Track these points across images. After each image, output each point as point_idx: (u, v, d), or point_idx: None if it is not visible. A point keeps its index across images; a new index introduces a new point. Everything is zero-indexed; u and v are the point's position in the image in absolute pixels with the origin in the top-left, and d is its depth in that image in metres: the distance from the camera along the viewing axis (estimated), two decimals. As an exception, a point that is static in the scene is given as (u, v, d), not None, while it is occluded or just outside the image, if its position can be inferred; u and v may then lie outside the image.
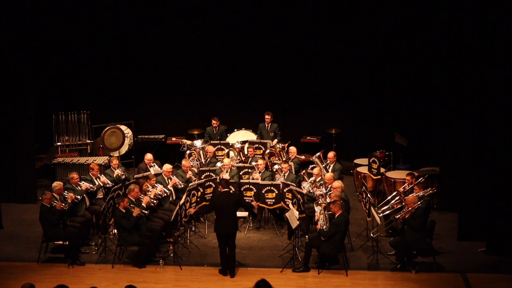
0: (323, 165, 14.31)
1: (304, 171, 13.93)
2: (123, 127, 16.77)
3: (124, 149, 16.81)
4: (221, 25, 16.83)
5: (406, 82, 16.35)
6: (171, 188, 13.57)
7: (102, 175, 13.70)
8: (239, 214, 12.64)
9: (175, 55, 17.09)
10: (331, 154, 14.43)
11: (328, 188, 13.00)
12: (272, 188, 13.41)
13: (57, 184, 12.75)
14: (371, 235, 12.51)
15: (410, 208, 11.92)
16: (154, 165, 14.34)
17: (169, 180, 13.62)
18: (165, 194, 13.38)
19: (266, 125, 16.16)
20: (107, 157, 15.62)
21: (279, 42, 16.77)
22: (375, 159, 14.63)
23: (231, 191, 12.35)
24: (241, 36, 16.85)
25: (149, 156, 14.48)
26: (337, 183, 12.77)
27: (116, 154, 16.25)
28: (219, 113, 16.38)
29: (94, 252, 12.74)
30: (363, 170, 15.01)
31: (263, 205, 13.57)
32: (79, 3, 16.71)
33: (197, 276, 11.98)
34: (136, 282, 11.16)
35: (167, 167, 13.75)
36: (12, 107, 14.86)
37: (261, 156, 15.10)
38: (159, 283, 11.76)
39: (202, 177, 13.89)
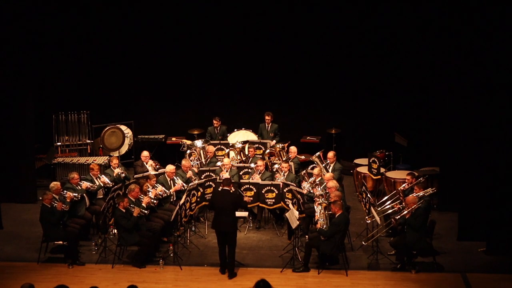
0: (323, 165, 14.31)
1: (304, 171, 13.94)
2: (123, 127, 16.77)
3: (124, 149, 16.81)
4: (221, 25, 16.82)
5: (406, 82, 16.35)
6: (173, 192, 13.55)
7: (103, 175, 13.70)
8: (239, 214, 12.63)
9: (175, 55, 17.09)
10: (331, 154, 14.43)
11: (324, 186, 13.01)
12: (272, 188, 13.42)
13: (54, 185, 12.75)
14: (363, 243, 12.58)
15: (410, 208, 11.92)
16: (150, 163, 14.39)
17: (172, 181, 13.59)
18: (165, 195, 13.38)
19: (266, 126, 16.16)
20: (107, 157, 15.62)
21: (279, 42, 16.77)
22: (375, 159, 14.63)
23: (231, 191, 12.36)
24: (241, 36, 16.85)
25: (145, 153, 14.55)
26: (332, 183, 12.76)
27: (116, 154, 16.25)
28: (219, 113, 16.38)
29: (94, 252, 12.74)
30: (363, 170, 15.02)
31: (263, 205, 13.57)
32: (79, 3, 16.72)
33: (197, 276, 11.98)
34: (136, 282, 11.15)
35: (170, 168, 13.71)
36: (12, 107, 14.85)
37: (261, 156, 15.10)
38: (159, 283, 11.76)
39: (202, 177, 13.90)
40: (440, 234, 13.26)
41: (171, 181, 13.62)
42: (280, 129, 16.18)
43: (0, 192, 14.92)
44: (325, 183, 13.11)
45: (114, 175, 13.87)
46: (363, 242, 12.60)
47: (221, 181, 13.28)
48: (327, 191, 12.74)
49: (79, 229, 12.68)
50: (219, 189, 12.31)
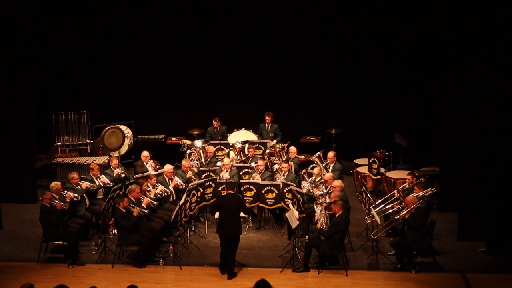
0: (323, 165, 14.31)
1: (304, 171, 13.94)
2: (123, 127, 16.77)
3: (124, 149, 16.82)
4: (221, 25, 16.83)
5: (406, 82, 16.35)
6: (172, 189, 13.57)
7: (103, 176, 13.71)
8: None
9: (175, 55, 17.09)
10: (331, 154, 14.43)
11: (328, 188, 12.99)
12: (272, 188, 13.41)
13: (54, 184, 12.75)
14: (372, 236, 12.50)
15: (409, 208, 11.92)
16: (150, 163, 14.39)
17: (170, 181, 13.60)
18: (165, 194, 13.38)
19: (266, 126, 16.16)
20: (107, 157, 15.62)
21: (279, 42, 16.78)
22: (375, 159, 14.63)
23: (236, 194, 12.33)
24: (241, 36, 16.84)
25: (145, 153, 14.56)
26: (337, 183, 12.76)
27: (116, 154, 16.25)
28: (219, 113, 16.38)
29: (94, 252, 12.74)
30: (363, 170, 15.01)
31: (263, 205, 13.57)
32: (79, 3, 16.72)
33: (197, 276, 11.98)
34: (136, 282, 11.13)
35: (168, 167, 13.73)
36: (12, 107, 14.85)
37: (261, 156, 15.10)
38: (159, 283, 11.76)
39: (202, 177, 13.90)
40: (440, 234, 13.25)
41: (170, 181, 13.62)
42: (280, 129, 16.18)
43: (0, 192, 14.92)
44: (325, 183, 13.11)
45: (114, 175, 13.88)
46: (372, 235, 12.48)
47: (222, 181, 13.30)
48: (330, 190, 12.72)
49: (79, 229, 12.68)
50: (224, 194, 12.24)
